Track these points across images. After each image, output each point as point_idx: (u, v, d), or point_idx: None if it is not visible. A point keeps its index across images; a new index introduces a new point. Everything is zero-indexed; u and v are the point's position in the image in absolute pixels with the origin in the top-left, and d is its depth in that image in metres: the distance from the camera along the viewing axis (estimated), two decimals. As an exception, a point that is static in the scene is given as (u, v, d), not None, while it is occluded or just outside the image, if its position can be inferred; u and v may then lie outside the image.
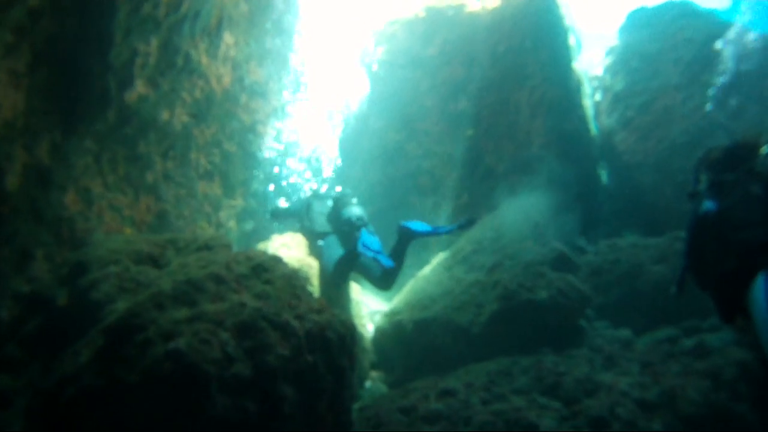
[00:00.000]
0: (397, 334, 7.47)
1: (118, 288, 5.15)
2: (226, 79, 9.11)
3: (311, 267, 7.39)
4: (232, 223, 9.67)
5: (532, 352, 6.28)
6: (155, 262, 5.77)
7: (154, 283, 4.93)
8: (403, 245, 7.51)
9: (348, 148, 11.42)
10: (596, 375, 5.69)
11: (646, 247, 7.89)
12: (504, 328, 6.47)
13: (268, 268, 4.93)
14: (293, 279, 4.87)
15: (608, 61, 12.58)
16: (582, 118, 10.55)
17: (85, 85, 6.16)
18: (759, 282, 4.05)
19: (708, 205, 4.67)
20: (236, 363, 3.95)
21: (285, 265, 5.04)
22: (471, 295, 7.00)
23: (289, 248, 7.48)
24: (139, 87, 6.86)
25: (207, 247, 5.79)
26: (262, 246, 7.70)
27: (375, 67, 11.21)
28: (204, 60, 8.32)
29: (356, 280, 9.04)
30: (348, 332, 4.71)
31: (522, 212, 7.89)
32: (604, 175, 11.13)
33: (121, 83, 6.56)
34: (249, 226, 10.18)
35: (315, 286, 7.26)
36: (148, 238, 6.19)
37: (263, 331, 4.16)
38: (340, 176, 11.32)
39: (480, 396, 5.40)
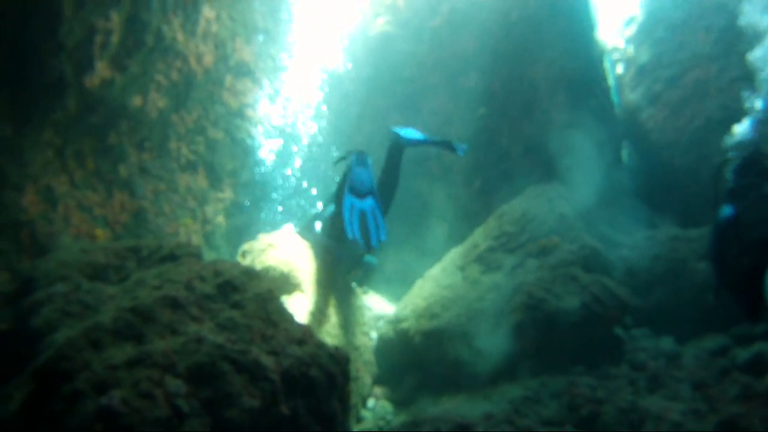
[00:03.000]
0: (404, 345, 6.59)
1: (62, 313, 4.25)
2: (208, 59, 8.32)
3: (303, 271, 6.45)
4: (220, 219, 8.93)
5: (563, 370, 5.33)
6: (115, 275, 4.90)
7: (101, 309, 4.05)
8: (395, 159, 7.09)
9: (348, 132, 10.43)
10: (641, 401, 4.76)
11: (689, 240, 6.91)
12: (528, 343, 5.49)
13: (237, 287, 4.03)
14: (269, 300, 3.95)
15: (630, 31, 11.58)
16: (606, 93, 9.63)
17: (35, 68, 5.54)
18: None
19: (726, 210, 4.93)
20: (189, 421, 3.06)
21: (260, 281, 4.13)
22: (488, 302, 6.04)
23: (277, 249, 6.55)
24: (102, 70, 6.19)
25: (172, 257, 4.91)
26: (247, 246, 6.78)
27: (375, 41, 10.18)
28: (180, 37, 7.62)
29: (359, 283, 8.17)
30: (339, 367, 3.79)
31: (545, 201, 6.85)
32: (625, 155, 10.18)
33: (78, 66, 5.94)
34: (239, 221, 9.32)
35: (308, 293, 6.32)
36: (108, 246, 5.33)
37: (225, 375, 3.25)
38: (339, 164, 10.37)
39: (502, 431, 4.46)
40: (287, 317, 3.91)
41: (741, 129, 7.32)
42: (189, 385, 3.18)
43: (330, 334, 6.21)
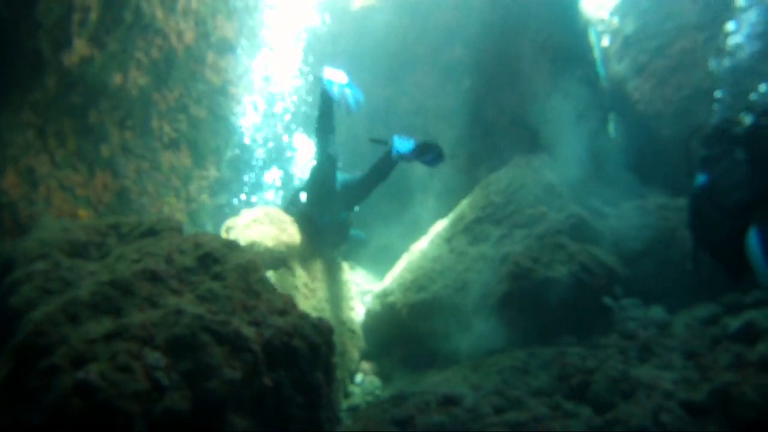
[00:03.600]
0: (391, 319, 6.50)
1: (41, 290, 4.10)
2: (189, 36, 8.17)
3: (288, 245, 6.37)
4: (204, 197, 8.81)
5: (552, 341, 5.27)
6: (95, 251, 4.78)
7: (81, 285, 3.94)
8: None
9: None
10: (632, 370, 4.69)
11: (678, 209, 6.77)
12: (517, 312, 5.42)
13: (218, 259, 3.92)
14: (250, 271, 3.84)
15: (615, 2, 11.46)
16: (592, 63, 9.52)
17: (11, 47, 5.35)
18: (751, 235, 4.41)
19: (700, 179, 5.06)
20: (169, 394, 2.96)
21: (241, 252, 4.02)
22: (476, 272, 5.95)
23: (261, 224, 6.46)
24: (80, 48, 6.02)
25: (152, 231, 4.77)
26: (230, 222, 6.68)
27: (356, 14, 10.00)
28: (159, 14, 7.45)
29: (346, 258, 8.07)
30: (323, 338, 3.69)
31: (531, 171, 6.75)
32: (611, 128, 10.08)
33: (56, 44, 5.73)
34: (223, 199, 9.21)
35: (293, 268, 6.23)
36: (88, 224, 5.20)
37: (205, 347, 3.15)
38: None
39: (491, 402, 4.39)
40: (269, 288, 3.81)
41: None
42: (168, 358, 3.08)
43: (316, 308, 6.14)
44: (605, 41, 11.28)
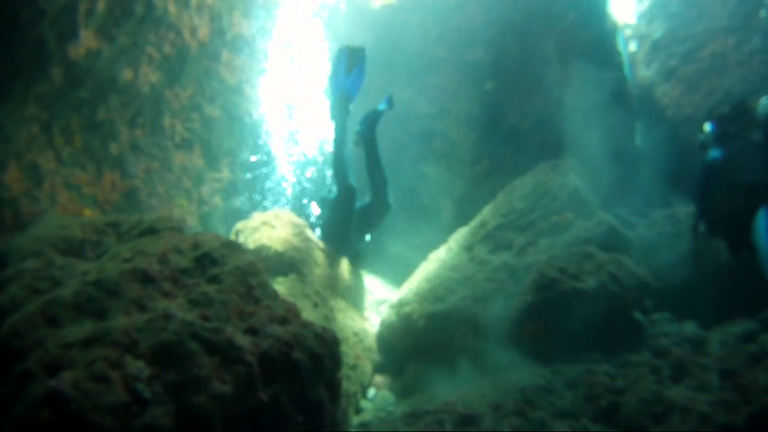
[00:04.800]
0: (407, 331, 6.14)
1: (29, 290, 3.80)
2: (203, 32, 7.96)
3: (299, 250, 6.05)
4: (216, 200, 8.57)
5: (578, 357, 4.88)
6: (92, 250, 4.50)
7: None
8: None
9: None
10: (665, 391, 4.30)
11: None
12: (541, 326, 5.03)
13: (216, 260, 3.60)
14: (250, 274, 3.51)
15: (642, 7, 11.18)
16: (620, 67, 9.08)
17: (14, 36, 5.20)
18: (761, 216, 4.66)
19: (714, 153, 5.34)
20: (150, 408, 2.63)
21: (242, 253, 3.70)
22: (498, 283, 5.59)
23: (272, 227, 6.16)
24: (87, 39, 5.83)
25: (151, 230, 4.49)
26: (240, 225, 6.39)
27: (376, 13, 9.69)
28: (172, 8, 7.24)
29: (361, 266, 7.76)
30: (327, 349, 3.34)
31: (558, 176, 6.37)
32: (638, 134, 9.73)
33: (62, 34, 5.56)
34: (238, 202, 8.94)
35: (305, 274, 5.91)
36: (86, 221, 4.95)
37: (193, 357, 2.82)
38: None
39: (512, 424, 4.01)
40: (270, 293, 3.48)
41: None
42: (152, 367, 2.76)
43: (327, 318, 5.80)
44: (632, 46, 11.01)
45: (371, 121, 7.48)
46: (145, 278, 3.36)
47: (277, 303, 3.41)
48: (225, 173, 8.67)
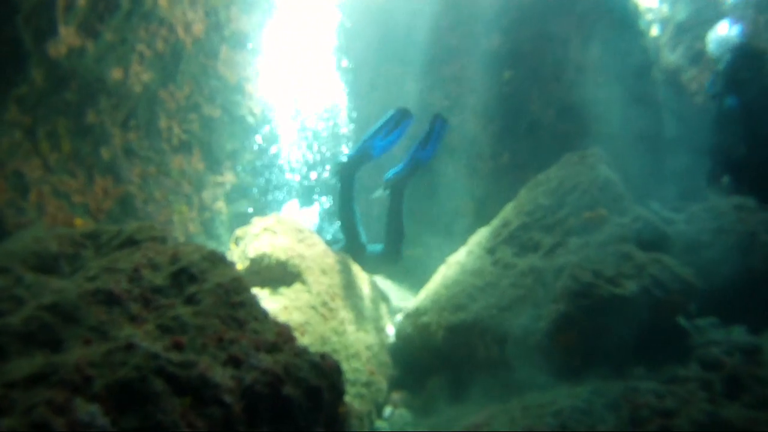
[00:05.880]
0: (424, 343, 5.61)
1: (-10, 312, 3.30)
2: (198, 27, 7.62)
3: (304, 258, 5.53)
4: (219, 205, 8.21)
5: (619, 372, 4.30)
6: (68, 265, 4.00)
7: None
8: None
9: (359, 104, 9.43)
10: (720, 410, 3.71)
11: (756, 210, 5.81)
12: (576, 337, 4.43)
13: (196, 276, 3.08)
14: (234, 291, 2.98)
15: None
16: (645, 51, 8.65)
17: None
18: None
19: (730, 101, 5.40)
20: (105, 467, 2.09)
21: (226, 268, 3.16)
22: (525, 289, 5.00)
23: (274, 233, 5.64)
24: (68, 37, 5.54)
25: (130, 241, 3.97)
26: (240, 232, 5.90)
27: (384, 1, 9.19)
28: (163, 2, 6.93)
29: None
30: (326, 381, 2.80)
31: (587, 168, 5.77)
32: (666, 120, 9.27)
33: (39, 32, 5.25)
34: (243, 207, 8.52)
35: (310, 284, 5.39)
36: (64, 233, 4.42)
37: (158, 397, 2.28)
38: (352, 141, 9.42)
39: (549, 455, 3.45)
40: (258, 314, 2.94)
41: None
42: (108, 413, 2.23)
43: (337, 331, 5.27)
44: (654, 30, 10.56)
45: (406, 173, 7.09)
46: (110, 300, 2.86)
47: (267, 326, 2.87)
48: (228, 177, 8.35)
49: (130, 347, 2.43)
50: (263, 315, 2.96)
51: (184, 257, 3.24)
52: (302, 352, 2.74)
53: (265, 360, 2.61)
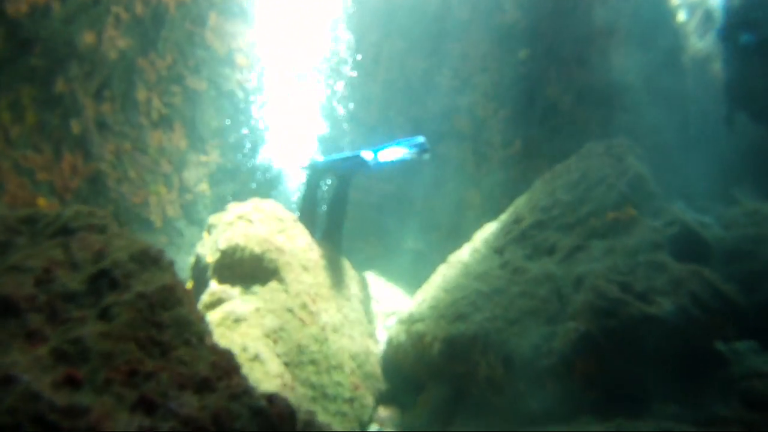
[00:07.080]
0: (418, 354, 4.98)
1: None
2: None
3: (283, 251, 4.87)
4: (203, 186, 7.80)
5: (646, 408, 3.59)
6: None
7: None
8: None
9: (359, 82, 8.76)
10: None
11: (804, 215, 5.13)
12: (597, 363, 3.72)
13: (118, 281, 2.43)
14: (161, 305, 2.29)
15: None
16: (675, 34, 8.00)
17: None
18: None
19: (746, 37, 5.50)
20: None
21: (157, 272, 2.45)
22: (538, 300, 4.31)
23: (250, 222, 4.99)
24: None
25: (65, 230, 3.32)
26: (214, 219, 5.26)
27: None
28: None
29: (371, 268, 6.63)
30: (276, 427, 2.07)
31: (613, 160, 5.04)
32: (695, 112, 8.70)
33: None
34: (228, 189, 7.92)
35: (288, 282, 4.71)
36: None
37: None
38: (351, 121, 8.75)
39: None
40: (190, 337, 2.24)
41: None
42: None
43: (317, 338, 4.61)
44: (681, 15, 9.89)
45: (346, 167, 6.73)
46: (6, 309, 2.22)
47: (200, 353, 2.17)
48: (213, 156, 7.84)
49: (7, 381, 1.79)
50: (198, 338, 2.26)
51: (110, 255, 2.55)
52: (242, 394, 2.03)
53: (190, 404, 1.92)
